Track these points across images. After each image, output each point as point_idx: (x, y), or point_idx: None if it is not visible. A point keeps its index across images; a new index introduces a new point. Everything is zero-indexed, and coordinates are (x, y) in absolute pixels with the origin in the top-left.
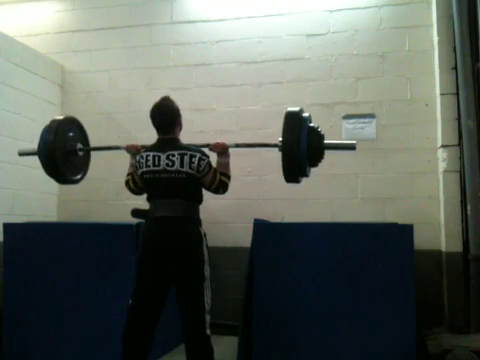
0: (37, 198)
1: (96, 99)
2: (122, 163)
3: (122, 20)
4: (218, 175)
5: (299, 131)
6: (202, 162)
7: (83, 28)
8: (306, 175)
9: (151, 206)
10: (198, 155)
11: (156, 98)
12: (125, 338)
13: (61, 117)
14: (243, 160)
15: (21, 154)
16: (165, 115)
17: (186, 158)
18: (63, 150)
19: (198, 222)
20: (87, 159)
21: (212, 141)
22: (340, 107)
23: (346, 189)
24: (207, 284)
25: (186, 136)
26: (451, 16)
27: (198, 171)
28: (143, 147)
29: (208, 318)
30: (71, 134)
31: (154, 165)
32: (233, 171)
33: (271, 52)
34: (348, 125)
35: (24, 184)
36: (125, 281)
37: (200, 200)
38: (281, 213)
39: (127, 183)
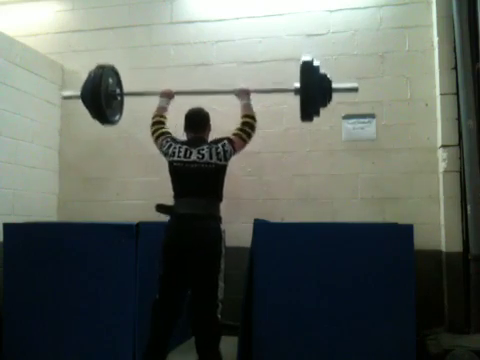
0: (37, 198)
1: None
2: (123, 163)
3: (122, 20)
4: (238, 129)
5: (314, 77)
6: (225, 145)
7: (83, 28)
8: (318, 115)
9: (176, 203)
10: (220, 144)
11: (156, 98)
12: (153, 331)
13: (104, 64)
14: (243, 160)
15: (65, 98)
16: (200, 117)
17: (213, 150)
18: (105, 94)
19: (218, 219)
20: (122, 103)
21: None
22: (340, 107)
23: (346, 189)
24: (221, 276)
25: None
26: (451, 16)
27: (225, 157)
28: (176, 93)
29: (220, 306)
30: (110, 80)
31: (185, 156)
32: (233, 171)
33: (271, 52)
34: (348, 125)
35: (24, 184)
36: (125, 281)
37: (221, 198)
38: (281, 213)
39: (155, 123)
